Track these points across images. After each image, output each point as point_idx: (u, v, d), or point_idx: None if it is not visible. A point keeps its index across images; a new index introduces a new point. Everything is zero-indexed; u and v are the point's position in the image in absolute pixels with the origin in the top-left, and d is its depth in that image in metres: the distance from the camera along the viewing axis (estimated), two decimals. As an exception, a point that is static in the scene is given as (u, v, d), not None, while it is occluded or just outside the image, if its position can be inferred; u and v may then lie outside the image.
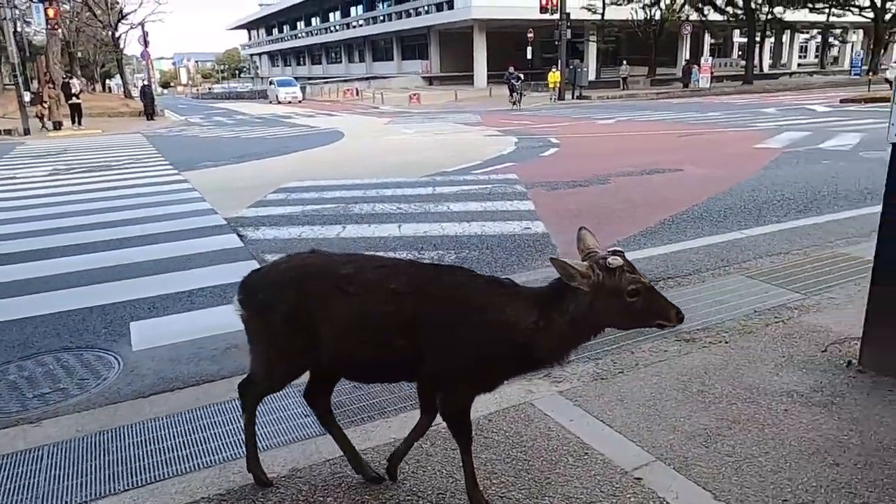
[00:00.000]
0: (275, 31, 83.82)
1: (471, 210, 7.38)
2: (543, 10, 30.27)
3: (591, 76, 39.71)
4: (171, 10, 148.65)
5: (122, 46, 48.59)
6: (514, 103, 26.33)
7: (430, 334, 2.09)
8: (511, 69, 26.97)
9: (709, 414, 2.93)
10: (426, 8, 48.40)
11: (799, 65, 53.76)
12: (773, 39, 51.13)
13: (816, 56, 58.77)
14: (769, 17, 38.04)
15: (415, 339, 2.09)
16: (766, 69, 48.92)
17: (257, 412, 2.45)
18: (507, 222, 6.77)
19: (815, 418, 2.87)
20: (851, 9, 41.74)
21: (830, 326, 3.79)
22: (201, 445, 2.82)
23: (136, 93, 38.93)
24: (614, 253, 1.97)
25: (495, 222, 6.78)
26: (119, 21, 44.54)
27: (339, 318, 2.11)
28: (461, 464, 2.32)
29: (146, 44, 31.39)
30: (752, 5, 35.57)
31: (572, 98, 31.08)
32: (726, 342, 3.70)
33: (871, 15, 40.80)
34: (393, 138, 17.17)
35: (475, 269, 2.34)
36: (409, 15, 50.55)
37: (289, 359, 2.26)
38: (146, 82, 30.54)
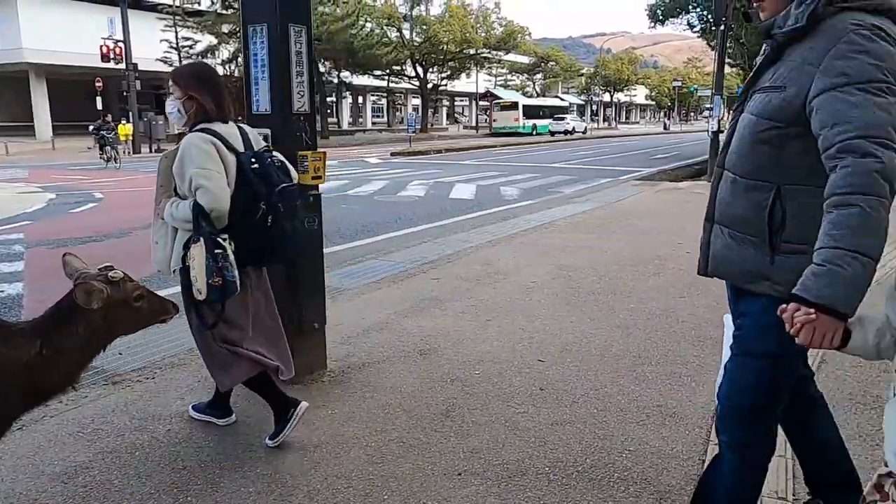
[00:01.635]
0: None
1: (-70, 279, 6.34)
2: (105, 58, 28.38)
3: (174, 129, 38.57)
4: None
5: None
6: (108, 159, 22.19)
7: None
8: (108, 117, 23.59)
9: (86, 451, 3.02)
10: (-37, 46, 40.81)
11: (374, 123, 61.08)
12: (350, 100, 57.37)
13: (391, 115, 67.93)
14: (338, 79, 42.60)
15: None
16: (346, 126, 54.40)
17: None
18: (-22, 287, 6.01)
19: (193, 432, 3.18)
20: (404, 77, 49.62)
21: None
22: None
23: None
24: (107, 268, 2.17)
25: (-41, 289, 5.96)
26: None
27: None
28: None
29: None
30: (322, 69, 39.32)
31: (150, 151, 29.63)
32: (153, 378, 3.86)
33: (418, 83, 49.13)
34: None
35: None
36: (-62, 52, 41.89)
37: None
38: None
